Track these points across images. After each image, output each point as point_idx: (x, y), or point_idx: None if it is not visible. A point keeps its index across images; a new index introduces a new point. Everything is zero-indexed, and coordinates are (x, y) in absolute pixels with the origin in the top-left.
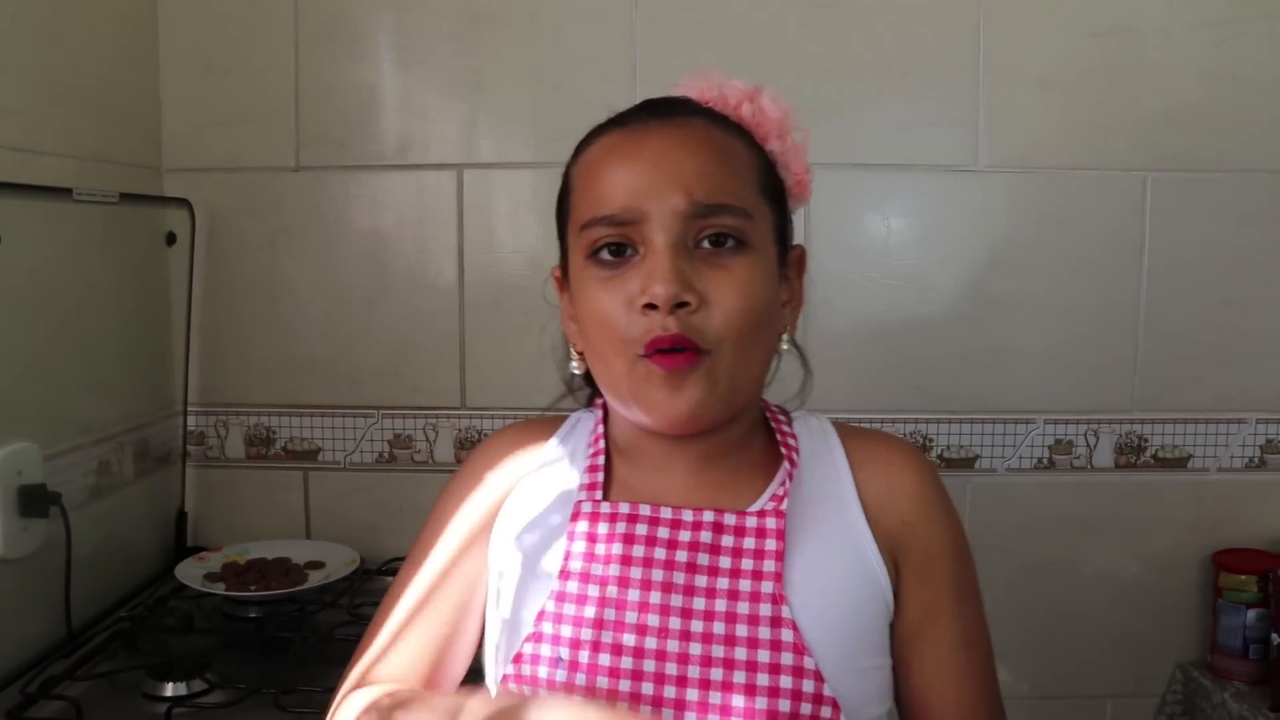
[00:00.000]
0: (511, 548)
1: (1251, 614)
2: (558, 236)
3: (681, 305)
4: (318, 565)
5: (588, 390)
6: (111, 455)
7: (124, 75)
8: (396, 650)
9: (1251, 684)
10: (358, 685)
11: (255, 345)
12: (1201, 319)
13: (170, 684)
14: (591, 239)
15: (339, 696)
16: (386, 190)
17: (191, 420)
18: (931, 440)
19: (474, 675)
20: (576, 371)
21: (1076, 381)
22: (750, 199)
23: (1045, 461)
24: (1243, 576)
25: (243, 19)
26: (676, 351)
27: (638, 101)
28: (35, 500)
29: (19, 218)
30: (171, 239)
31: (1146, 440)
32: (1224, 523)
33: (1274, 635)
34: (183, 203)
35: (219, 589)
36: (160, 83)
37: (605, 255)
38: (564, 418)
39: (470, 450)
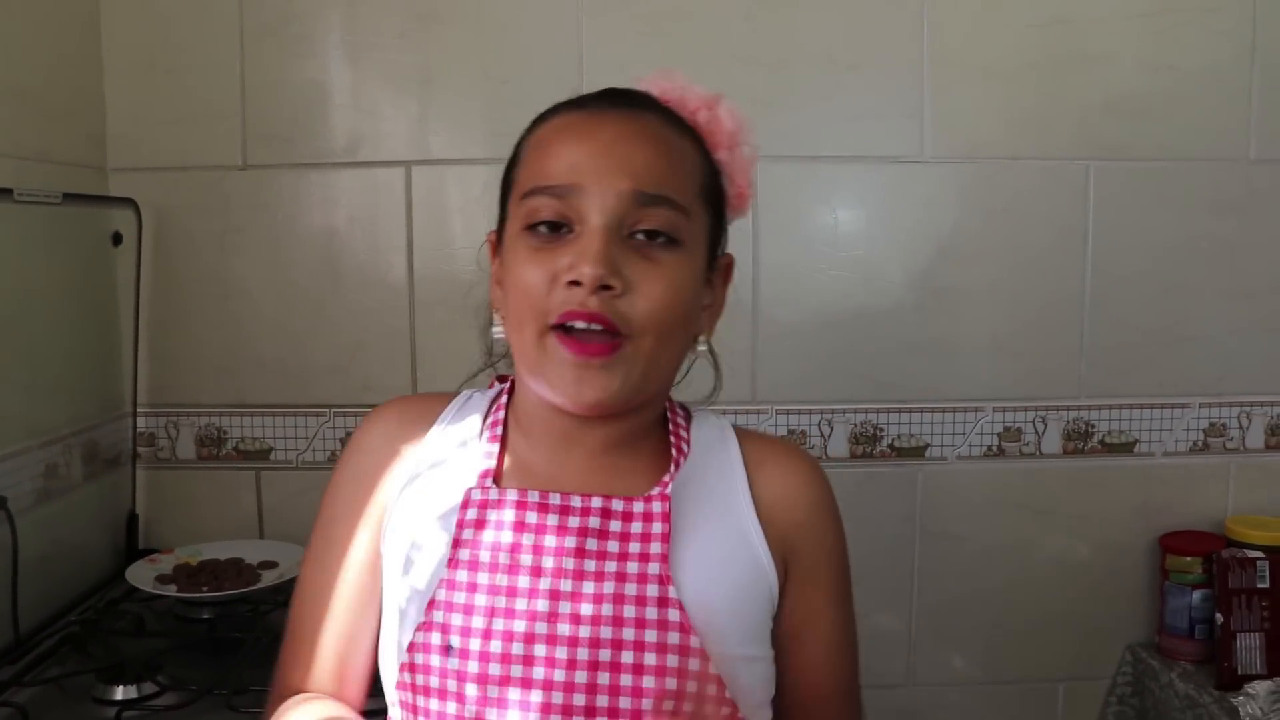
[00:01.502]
0: (404, 534)
1: (1197, 595)
2: (499, 203)
3: (606, 288)
4: (271, 565)
5: (507, 360)
6: (59, 458)
7: (67, 74)
8: (310, 653)
9: (1198, 663)
10: (280, 691)
11: (205, 345)
12: (1144, 306)
13: (121, 687)
14: (531, 209)
15: (271, 707)
16: (336, 188)
17: (141, 421)
18: (881, 429)
19: None
20: (498, 336)
21: (1024, 369)
22: (689, 200)
23: (995, 449)
24: (1188, 558)
25: (187, 16)
26: (591, 334)
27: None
28: None
29: None
30: (118, 239)
31: (1093, 426)
32: (1169, 506)
33: (1218, 615)
34: (128, 202)
35: (171, 591)
36: (104, 81)
37: (542, 229)
38: (449, 397)
39: (360, 425)
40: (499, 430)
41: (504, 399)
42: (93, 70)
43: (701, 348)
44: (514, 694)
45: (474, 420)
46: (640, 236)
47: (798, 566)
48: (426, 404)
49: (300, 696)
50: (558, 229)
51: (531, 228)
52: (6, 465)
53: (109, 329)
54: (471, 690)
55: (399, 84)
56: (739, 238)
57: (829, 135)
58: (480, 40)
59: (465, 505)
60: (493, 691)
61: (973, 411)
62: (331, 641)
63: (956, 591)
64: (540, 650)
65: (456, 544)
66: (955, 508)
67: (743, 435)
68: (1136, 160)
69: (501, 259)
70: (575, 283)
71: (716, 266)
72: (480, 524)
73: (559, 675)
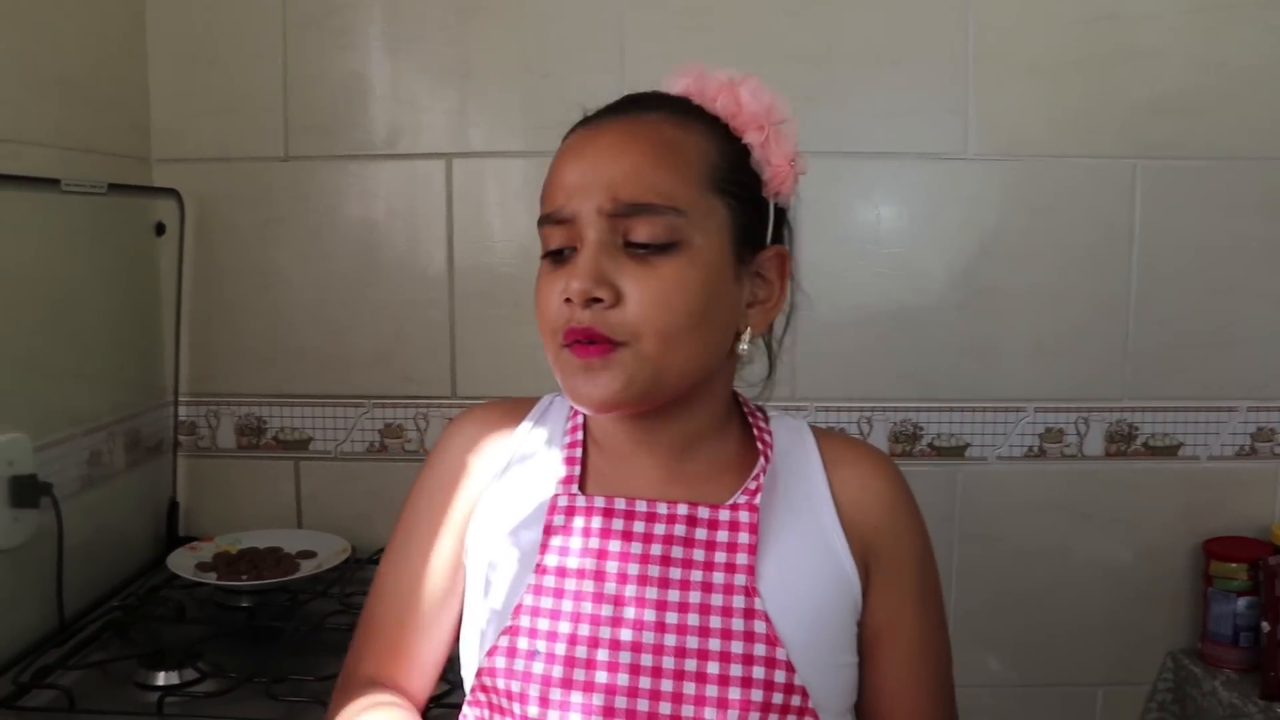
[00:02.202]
0: (492, 538)
1: (1242, 602)
2: None
3: (597, 301)
4: (309, 555)
5: None
6: (103, 445)
7: (112, 65)
8: (382, 645)
9: (1242, 672)
10: (348, 678)
11: (246, 335)
12: (1191, 307)
13: (162, 673)
14: (543, 237)
15: (340, 702)
16: (376, 179)
17: (182, 410)
18: (922, 429)
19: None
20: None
21: (1067, 370)
22: (689, 196)
23: (1036, 450)
24: (1233, 564)
25: (231, 8)
26: (590, 344)
27: (622, 90)
28: (27, 491)
29: (7, 209)
30: (161, 229)
31: (1137, 429)
32: (1214, 511)
33: (1264, 623)
34: (171, 193)
35: (211, 579)
36: (149, 72)
37: (552, 254)
38: (533, 401)
39: (447, 428)
40: (579, 436)
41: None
42: (137, 62)
43: (743, 346)
44: (597, 700)
45: (556, 424)
46: (635, 243)
47: (879, 569)
48: (513, 407)
49: (370, 698)
50: (560, 254)
51: (546, 253)
52: (52, 453)
53: (151, 319)
54: (555, 694)
55: (439, 76)
56: None
57: (871, 131)
58: (521, 33)
59: (552, 511)
60: (575, 697)
61: (1014, 412)
62: (405, 635)
63: (994, 593)
64: (625, 658)
65: (544, 549)
66: (995, 509)
67: (820, 436)
68: (1184, 159)
69: None
70: (569, 300)
71: (758, 259)
72: (567, 530)
73: (644, 683)
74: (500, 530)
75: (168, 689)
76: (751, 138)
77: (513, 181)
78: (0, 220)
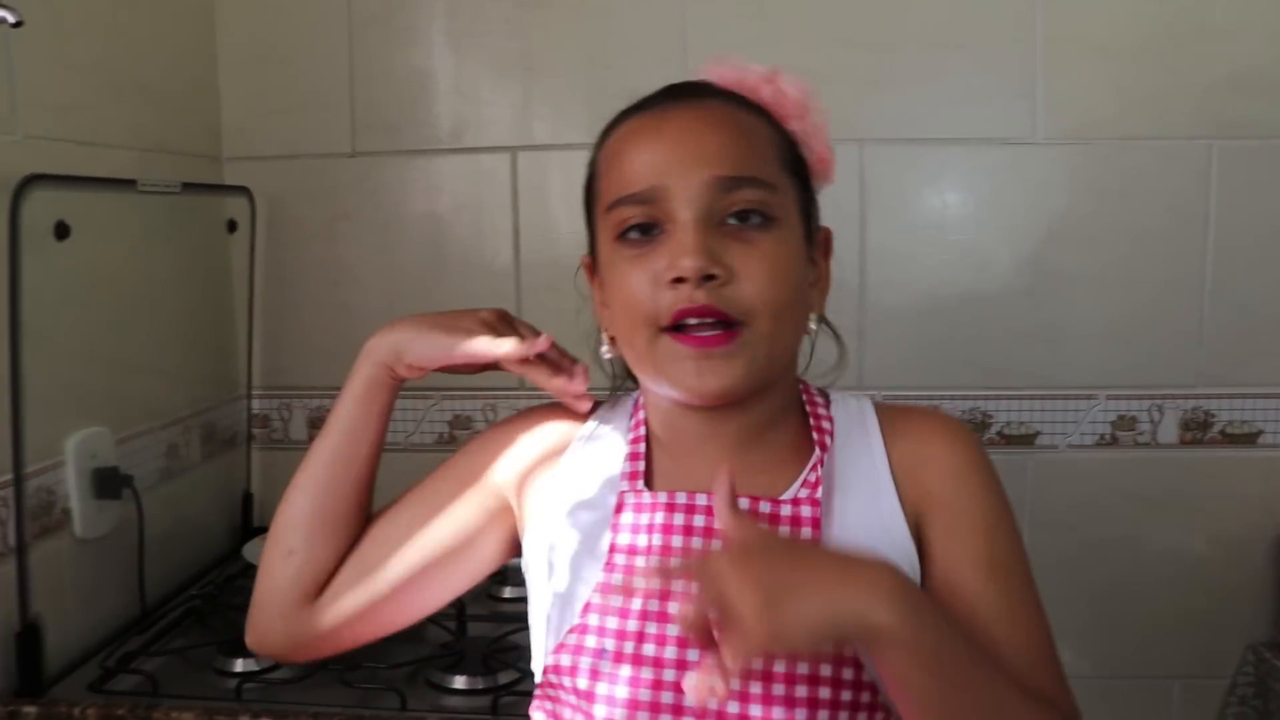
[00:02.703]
0: (560, 524)
1: None
2: (585, 224)
3: (710, 278)
4: None
5: (624, 379)
6: (179, 438)
7: (184, 67)
8: (370, 549)
9: None
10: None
11: (316, 329)
12: (1270, 291)
13: (240, 660)
14: (619, 219)
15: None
16: (442, 174)
17: (255, 403)
18: (990, 417)
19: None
20: (606, 356)
21: (1139, 356)
22: (774, 174)
23: (1108, 438)
24: None
25: (298, 8)
26: (705, 327)
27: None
28: (109, 482)
29: (86, 210)
30: (232, 226)
31: (1213, 416)
32: None
33: None
34: (243, 190)
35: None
36: (219, 74)
37: (632, 235)
38: (598, 400)
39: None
40: (642, 431)
41: (643, 402)
42: (208, 63)
43: (814, 325)
44: (665, 698)
45: (620, 420)
46: (733, 221)
47: (930, 538)
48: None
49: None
50: (648, 231)
51: (622, 236)
52: (131, 445)
53: (225, 314)
54: (622, 692)
55: (503, 70)
56: (846, 221)
57: (936, 117)
58: (583, 26)
59: (619, 509)
60: (644, 695)
61: (1085, 399)
62: (402, 585)
63: (1066, 582)
64: (692, 655)
65: (612, 549)
66: (1066, 498)
67: (883, 411)
68: (1263, 138)
69: (600, 279)
70: (679, 280)
71: (815, 241)
72: (633, 528)
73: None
74: (563, 519)
75: (245, 675)
76: (795, 126)
77: (577, 174)
78: (81, 221)
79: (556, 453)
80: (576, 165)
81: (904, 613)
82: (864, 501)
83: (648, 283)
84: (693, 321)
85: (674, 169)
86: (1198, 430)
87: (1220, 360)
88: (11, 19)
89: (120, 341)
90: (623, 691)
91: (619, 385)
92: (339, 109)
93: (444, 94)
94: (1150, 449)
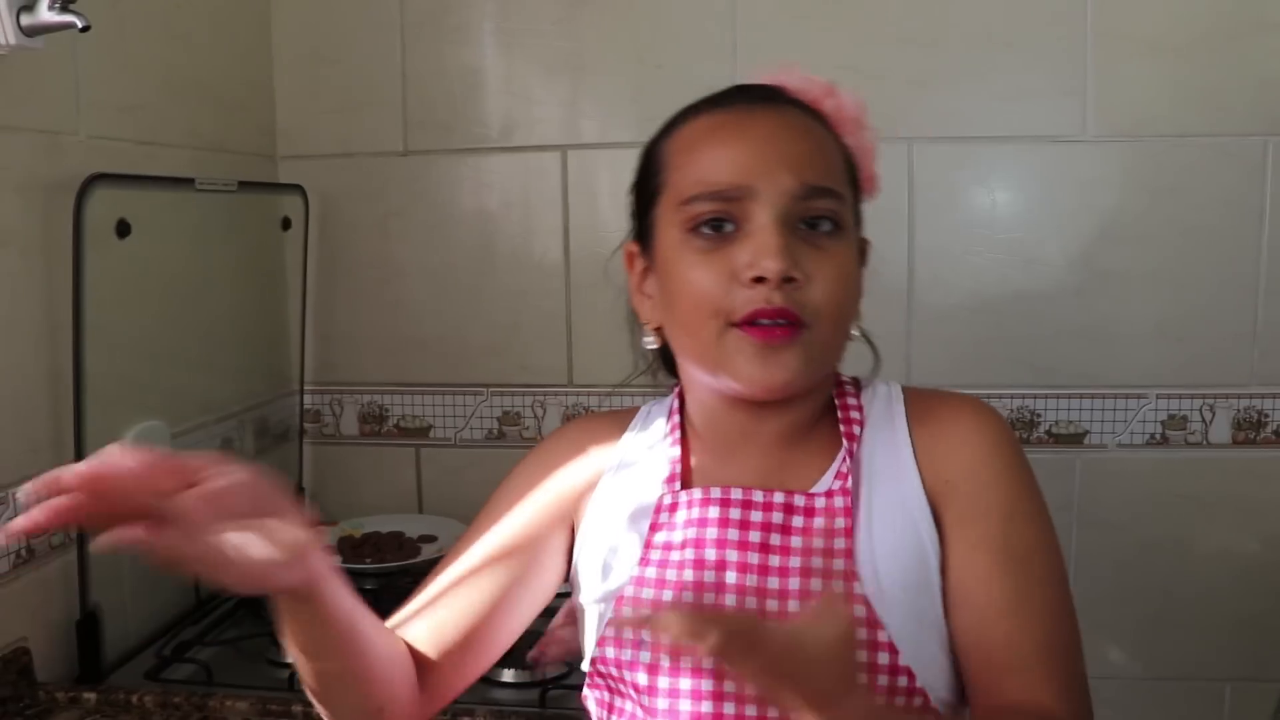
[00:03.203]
0: (605, 530)
1: None
2: (634, 215)
3: (789, 280)
4: (430, 539)
5: (657, 369)
6: (233, 433)
7: (240, 68)
8: (436, 609)
9: None
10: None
11: (367, 325)
12: None
13: None
14: (694, 213)
15: None
16: (492, 172)
17: (308, 399)
18: (1039, 415)
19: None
20: (652, 346)
21: (1191, 355)
22: (843, 185)
23: (1158, 437)
24: None
25: (350, 9)
26: (775, 325)
27: (736, 80)
28: None
29: (146, 208)
30: (287, 224)
31: (1267, 416)
32: None
33: None
34: (297, 189)
35: (336, 562)
36: (274, 74)
37: (705, 230)
38: (634, 411)
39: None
40: (679, 434)
41: (679, 404)
42: (263, 64)
43: (855, 332)
44: (705, 685)
45: (659, 426)
46: (803, 227)
47: (949, 523)
48: (616, 418)
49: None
50: (720, 226)
51: (694, 230)
52: (187, 439)
53: (278, 311)
54: (663, 683)
55: (552, 69)
56: (894, 219)
57: (986, 115)
58: (633, 24)
59: (658, 509)
60: (684, 683)
61: (1135, 398)
62: (465, 612)
63: (1115, 583)
64: None
65: (648, 545)
66: (1115, 497)
67: (911, 395)
68: None
69: (655, 268)
70: (759, 279)
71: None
72: (670, 525)
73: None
74: (606, 529)
75: None
76: (850, 141)
77: (626, 172)
78: (141, 219)
79: (602, 462)
80: (626, 163)
81: None
82: (890, 489)
83: (721, 278)
84: (765, 323)
85: (760, 171)
86: (1251, 430)
87: (1275, 359)
88: (80, 23)
89: (177, 337)
90: (665, 682)
91: (652, 376)
92: (391, 108)
93: (494, 93)
94: (1202, 449)
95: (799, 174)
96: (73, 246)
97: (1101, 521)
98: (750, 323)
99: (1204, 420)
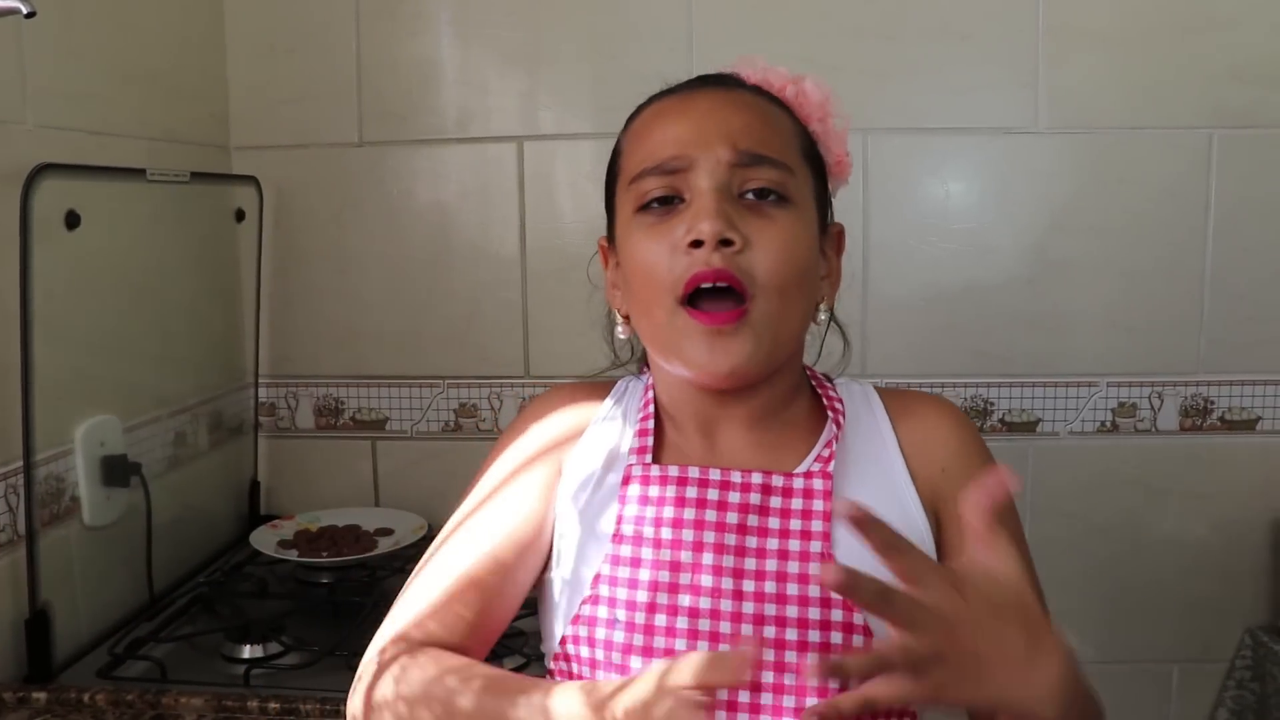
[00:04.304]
0: (568, 509)
1: None
2: (605, 207)
3: (727, 243)
4: (387, 532)
5: (635, 362)
6: (187, 426)
7: (192, 56)
8: (446, 606)
9: None
10: (406, 637)
11: (323, 318)
12: (1269, 278)
13: (248, 646)
14: (641, 191)
15: (386, 641)
16: (449, 163)
17: (263, 392)
18: (992, 404)
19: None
20: (622, 336)
21: (1140, 343)
22: (793, 159)
23: (1108, 424)
24: None
25: None
26: (719, 306)
27: (693, 72)
28: (117, 470)
29: (96, 199)
30: (240, 215)
31: (1213, 402)
32: None
33: None
34: (251, 180)
35: (292, 555)
36: (227, 63)
37: (653, 206)
38: (612, 383)
39: (525, 406)
40: (651, 410)
41: (652, 383)
42: (216, 53)
43: (823, 316)
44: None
45: (633, 402)
46: (750, 196)
47: (949, 513)
48: (593, 387)
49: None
50: (669, 203)
51: (643, 208)
52: (140, 433)
53: (232, 303)
54: (635, 662)
55: (509, 60)
56: (849, 211)
57: (941, 107)
58: (589, 15)
59: (626, 481)
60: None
61: (1086, 386)
62: (474, 601)
63: (1067, 569)
64: (704, 625)
65: (619, 520)
66: (1067, 484)
67: (885, 394)
68: (1264, 127)
69: (617, 259)
70: (696, 244)
71: (829, 235)
72: (642, 500)
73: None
74: (573, 502)
75: (253, 661)
76: (816, 127)
77: (583, 163)
78: (90, 210)
79: (576, 434)
80: (582, 154)
81: (1065, 707)
82: (876, 479)
83: (665, 250)
84: (706, 286)
85: (697, 142)
86: (1197, 417)
87: (1219, 347)
88: (25, 9)
89: (129, 330)
90: (637, 661)
91: (629, 365)
92: (346, 99)
93: (451, 84)
94: (1150, 435)
95: (735, 142)
96: (20, 238)
97: (1053, 508)
98: (694, 300)
99: (1153, 408)
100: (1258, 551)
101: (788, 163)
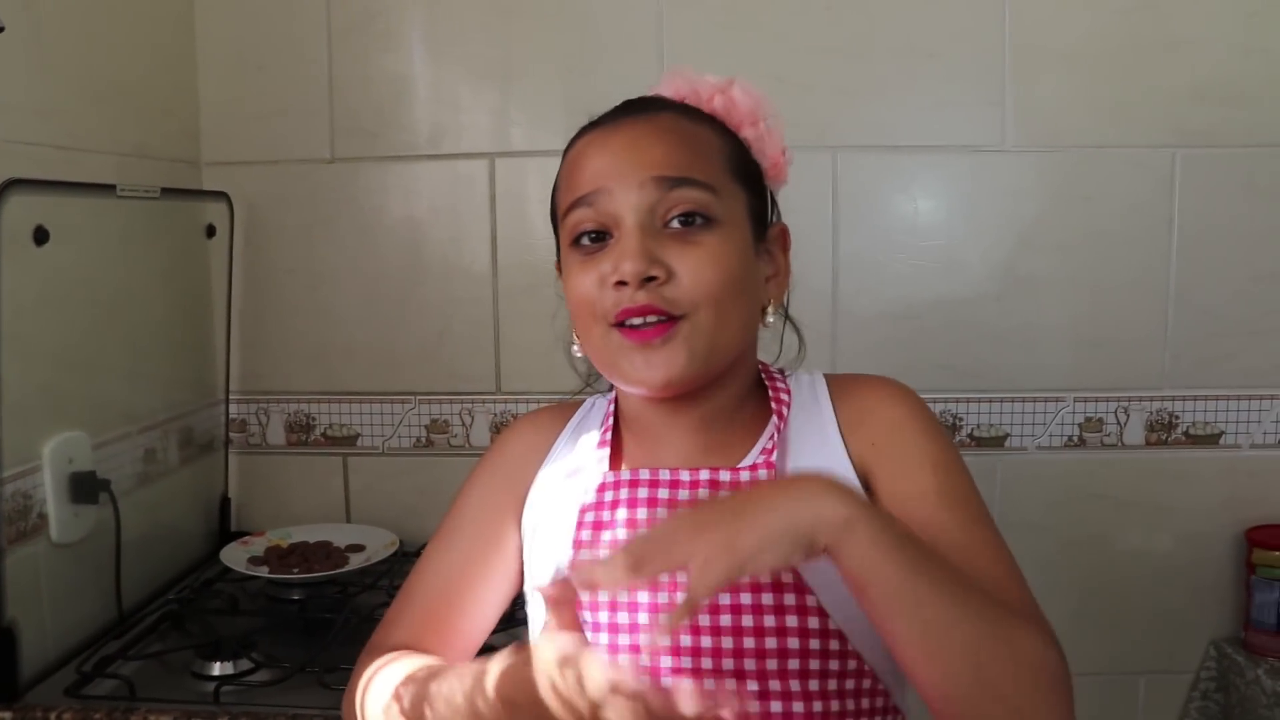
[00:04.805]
0: (537, 528)
1: None
2: (554, 233)
3: (650, 280)
4: (358, 548)
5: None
6: (157, 443)
7: (163, 72)
8: (420, 618)
9: None
10: (380, 651)
11: (294, 334)
12: (1232, 295)
13: (218, 663)
14: (572, 224)
15: (366, 664)
16: (420, 180)
17: (233, 408)
18: (961, 420)
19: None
20: (577, 355)
21: (1106, 359)
22: (717, 178)
23: (1076, 439)
24: (1276, 553)
25: (277, 14)
26: (646, 326)
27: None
28: (86, 487)
29: (65, 214)
30: (211, 231)
31: (1178, 417)
32: (1256, 499)
33: None
34: (221, 196)
35: (263, 572)
36: (198, 79)
37: (585, 241)
38: (579, 403)
39: (499, 434)
40: (610, 422)
41: (614, 397)
42: (187, 68)
43: (771, 318)
44: (643, 657)
45: (597, 418)
46: (676, 223)
47: (880, 488)
48: (559, 411)
49: (396, 653)
50: (601, 238)
51: (576, 241)
52: (109, 450)
53: (203, 319)
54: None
55: (481, 77)
56: (819, 227)
57: (909, 125)
58: (561, 33)
59: (585, 490)
60: (621, 660)
61: (1054, 401)
62: (447, 610)
63: (1035, 583)
64: (663, 619)
65: (578, 526)
66: (1035, 498)
67: (833, 379)
68: (1225, 147)
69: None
70: (622, 283)
71: (769, 236)
72: (598, 505)
73: (685, 640)
74: (543, 517)
75: (224, 679)
76: (748, 133)
77: (553, 181)
78: (60, 226)
79: (540, 456)
80: (553, 171)
81: (855, 502)
82: (816, 461)
83: (594, 284)
84: (636, 321)
85: (617, 173)
86: (1162, 431)
87: (1183, 363)
88: None
89: (98, 346)
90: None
91: (590, 383)
92: (318, 115)
93: (422, 100)
94: (1117, 450)
95: (650, 170)
96: None
97: (1022, 522)
98: (623, 324)
99: (1119, 422)
100: (1222, 564)
101: (711, 183)
